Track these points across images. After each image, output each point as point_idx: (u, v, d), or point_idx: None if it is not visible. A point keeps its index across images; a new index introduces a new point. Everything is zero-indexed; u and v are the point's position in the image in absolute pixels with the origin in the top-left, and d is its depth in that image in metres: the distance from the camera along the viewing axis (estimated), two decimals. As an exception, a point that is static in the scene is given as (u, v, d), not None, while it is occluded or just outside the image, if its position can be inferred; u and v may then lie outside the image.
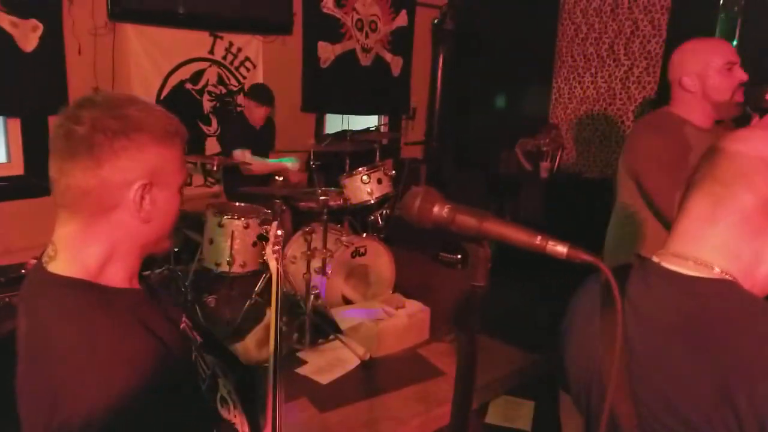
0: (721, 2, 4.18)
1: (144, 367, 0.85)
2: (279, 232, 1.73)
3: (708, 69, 1.88)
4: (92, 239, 0.91)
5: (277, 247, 1.68)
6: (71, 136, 0.87)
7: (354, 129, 4.84)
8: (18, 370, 0.88)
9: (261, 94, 3.98)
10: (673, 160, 1.83)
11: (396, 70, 5.68)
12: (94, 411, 0.79)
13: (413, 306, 3.45)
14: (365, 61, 5.39)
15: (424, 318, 3.42)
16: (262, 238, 1.36)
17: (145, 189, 0.91)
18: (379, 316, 3.29)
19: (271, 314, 1.29)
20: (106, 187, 0.88)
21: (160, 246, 1.01)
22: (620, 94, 4.94)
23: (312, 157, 3.88)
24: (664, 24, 4.63)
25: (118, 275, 0.93)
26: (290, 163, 3.98)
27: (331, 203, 3.50)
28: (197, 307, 3.48)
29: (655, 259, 0.97)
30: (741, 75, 1.88)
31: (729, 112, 1.90)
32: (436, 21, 5.87)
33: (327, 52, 5.07)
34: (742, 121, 1.94)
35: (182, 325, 1.06)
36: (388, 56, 5.57)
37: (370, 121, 5.66)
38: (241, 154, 3.80)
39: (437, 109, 5.95)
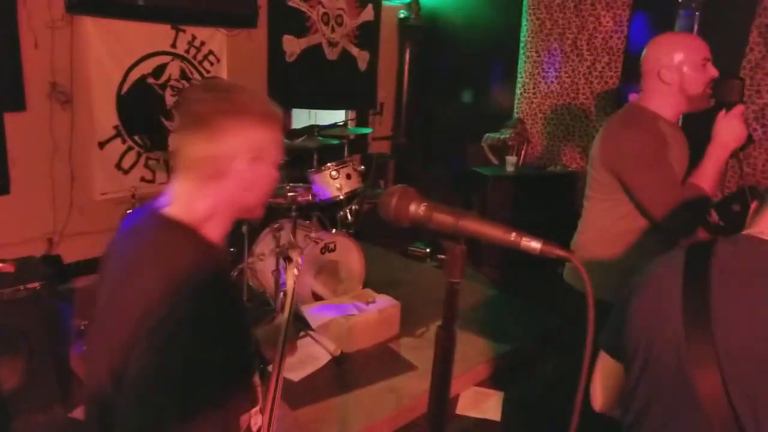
0: (680, -1, 4.29)
1: (227, 305, 1.07)
2: (300, 258, 1.77)
3: (686, 63, 1.91)
4: (202, 196, 1.08)
5: (296, 272, 1.71)
6: (194, 114, 1.07)
7: (322, 124, 4.82)
8: (112, 282, 1.08)
9: None
10: (657, 158, 1.87)
11: (363, 65, 5.66)
12: (182, 324, 0.95)
13: (384, 301, 3.46)
14: (332, 55, 5.35)
15: (394, 313, 3.44)
16: (287, 259, 1.41)
17: (250, 161, 1.08)
18: (349, 312, 3.29)
19: (281, 318, 1.35)
20: (217, 158, 1.06)
21: (255, 213, 1.19)
22: (583, 88, 5.03)
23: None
24: (626, 20, 4.73)
25: (215, 231, 1.11)
26: None
27: (300, 199, 3.48)
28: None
29: (745, 232, 1.10)
30: (713, 71, 1.92)
31: (701, 105, 1.95)
32: (402, 16, 5.88)
33: (293, 45, 5.03)
34: (708, 113, 1.99)
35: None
36: (354, 50, 5.55)
37: (337, 116, 5.63)
38: None
39: (404, 104, 5.97)
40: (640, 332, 1.12)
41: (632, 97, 3.58)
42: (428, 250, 4.88)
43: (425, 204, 0.82)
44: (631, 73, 4.64)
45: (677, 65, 1.91)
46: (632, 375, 1.13)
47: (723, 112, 1.86)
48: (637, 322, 1.13)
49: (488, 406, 3.03)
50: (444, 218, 0.81)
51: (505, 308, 4.07)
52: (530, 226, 2.72)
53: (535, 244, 0.76)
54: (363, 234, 4.45)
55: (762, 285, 1.01)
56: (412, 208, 0.82)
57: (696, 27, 4.23)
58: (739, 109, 1.84)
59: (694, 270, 1.05)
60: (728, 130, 1.84)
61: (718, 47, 4.03)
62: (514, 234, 0.77)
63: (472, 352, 3.35)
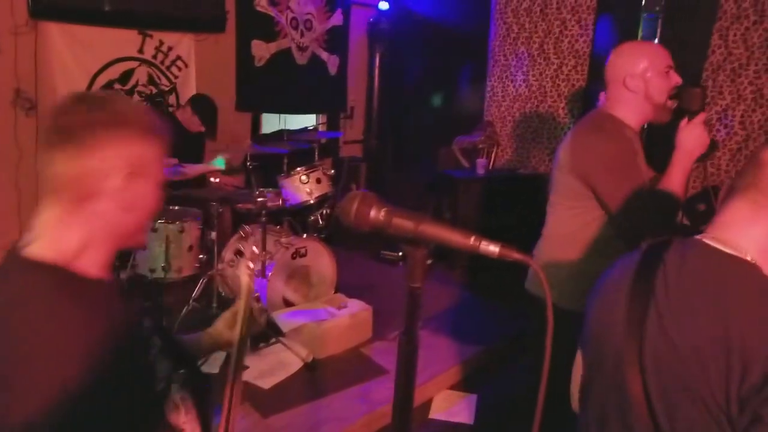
0: (643, 3, 4.39)
1: (100, 358, 0.88)
2: (255, 250, 1.69)
3: (650, 71, 1.93)
4: (72, 225, 0.95)
5: (252, 264, 1.63)
6: (61, 127, 0.93)
7: (291, 128, 4.80)
8: None
9: (205, 111, 3.85)
10: (627, 164, 1.89)
11: (333, 69, 5.66)
12: (45, 394, 0.82)
13: (355, 305, 3.45)
14: (301, 59, 5.34)
15: (366, 317, 3.43)
16: (238, 253, 1.33)
17: (126, 179, 0.95)
18: (321, 317, 3.27)
19: (239, 302, 1.28)
20: (88, 175, 0.93)
21: (137, 239, 1.06)
22: (551, 91, 5.11)
23: (248, 157, 3.81)
24: (591, 24, 4.82)
25: (93, 264, 0.97)
26: (219, 164, 3.90)
27: (270, 204, 3.45)
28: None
29: (697, 237, 1.09)
30: (677, 78, 1.95)
31: (664, 114, 1.97)
32: (371, 20, 5.90)
33: (261, 50, 5.00)
34: (671, 121, 2.03)
35: (145, 324, 1.10)
36: (324, 55, 5.54)
37: (307, 121, 5.61)
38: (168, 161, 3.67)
39: (375, 108, 5.98)
40: (592, 334, 1.14)
41: (602, 96, 3.67)
42: (400, 253, 4.89)
43: (385, 209, 0.82)
44: (598, 75, 4.73)
45: (641, 73, 1.93)
46: (586, 374, 1.15)
47: (686, 120, 1.88)
48: (590, 323, 1.16)
49: (461, 408, 3.04)
50: (404, 223, 0.81)
51: (476, 310, 4.09)
52: (500, 227, 2.74)
53: (493, 248, 0.77)
54: (335, 238, 4.43)
55: (700, 297, 1.01)
56: (372, 213, 0.82)
57: (659, 30, 4.33)
58: (701, 117, 1.85)
59: (642, 276, 1.07)
60: (691, 138, 1.84)
61: (681, 50, 4.16)
62: (473, 238, 0.78)
63: (445, 354, 3.36)
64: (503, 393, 3.21)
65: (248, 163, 3.62)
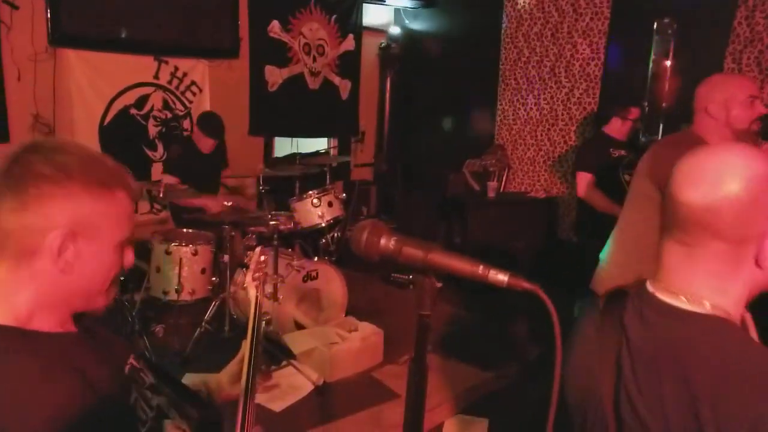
0: (655, 26, 4.41)
1: (67, 414, 0.82)
2: (262, 258, 1.62)
3: (733, 101, 2.06)
4: (19, 285, 0.88)
5: (258, 274, 1.59)
6: (9, 175, 0.86)
7: (303, 152, 4.85)
8: None
9: (209, 125, 3.92)
10: None
11: (344, 94, 5.73)
12: None
13: (366, 329, 3.44)
14: (313, 84, 5.42)
15: (377, 341, 3.42)
16: (243, 266, 1.28)
17: (66, 238, 0.87)
18: (332, 340, 3.27)
19: (245, 348, 1.26)
20: (28, 230, 0.86)
21: (90, 303, 0.96)
22: (562, 115, 5.12)
23: (261, 181, 3.85)
24: (602, 47, 4.84)
25: (49, 321, 0.90)
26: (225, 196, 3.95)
27: (281, 227, 3.48)
28: (145, 338, 3.38)
29: (650, 288, 0.99)
30: (761, 109, 2.09)
31: (747, 139, 2.10)
32: (382, 45, 5.98)
33: (274, 75, 5.08)
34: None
35: (128, 367, 1.03)
36: (336, 79, 5.62)
37: (319, 144, 5.67)
38: (168, 179, 3.70)
39: (386, 132, 6.03)
40: (573, 387, 1.09)
41: (613, 121, 3.78)
42: (410, 277, 4.88)
43: (395, 238, 0.83)
44: (609, 98, 4.74)
45: (724, 102, 2.06)
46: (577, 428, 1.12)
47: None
48: (571, 390, 1.10)
49: (473, 433, 3.01)
50: (413, 252, 0.82)
51: (488, 334, 4.06)
52: (511, 251, 2.75)
53: (502, 277, 0.78)
54: (345, 261, 4.45)
55: (664, 371, 0.90)
56: (383, 242, 0.83)
57: (671, 53, 4.34)
58: None
59: (606, 348, 0.99)
60: None
61: (693, 72, 4.16)
62: (481, 267, 0.79)
63: (456, 378, 3.33)
64: (515, 418, 3.17)
65: (260, 187, 3.66)
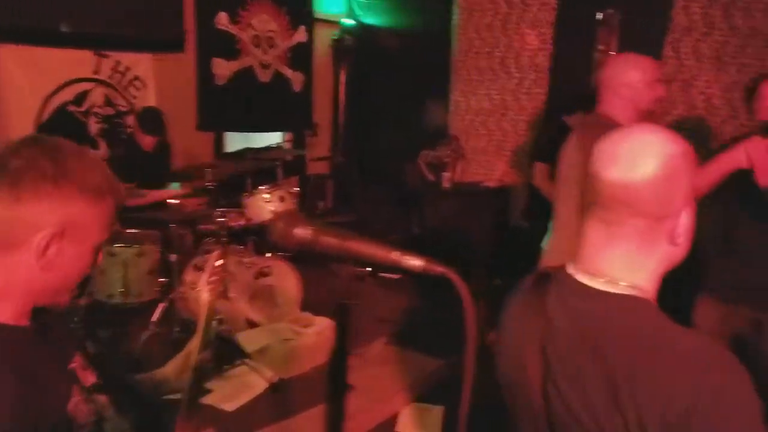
0: (599, 16, 4.50)
1: (13, 407, 0.84)
2: (218, 263, 1.61)
3: (641, 82, 2.14)
4: None
5: (214, 278, 1.58)
6: (6, 167, 0.87)
7: (256, 147, 4.77)
8: None
9: (148, 122, 3.81)
10: None
11: (297, 86, 5.65)
12: None
13: (322, 323, 3.42)
14: (264, 77, 5.32)
15: (332, 335, 3.39)
16: (198, 269, 1.28)
17: (53, 238, 0.89)
18: (286, 337, 3.23)
19: (192, 343, 1.24)
20: (18, 223, 0.88)
21: (56, 299, 0.99)
22: (513, 105, 5.18)
23: (210, 178, 3.77)
24: (550, 38, 4.91)
25: (5, 312, 0.91)
26: (176, 187, 3.86)
27: (232, 224, 3.42)
28: (91, 344, 3.27)
29: (570, 270, 1.00)
30: (661, 90, 2.18)
31: (647, 119, 2.17)
32: (335, 37, 5.93)
33: (223, 68, 4.97)
34: None
35: (73, 365, 1.03)
36: (288, 72, 5.54)
37: (273, 139, 5.59)
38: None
39: (341, 124, 5.99)
40: (504, 365, 1.10)
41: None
42: (369, 269, 4.86)
43: (312, 228, 0.81)
44: (558, 88, 4.82)
45: (632, 83, 2.13)
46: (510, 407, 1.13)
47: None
48: (501, 355, 1.11)
49: (428, 422, 3.02)
50: (330, 241, 0.81)
51: (444, 323, 4.08)
52: (467, 239, 2.81)
53: (416, 263, 0.77)
54: (303, 256, 4.39)
55: (585, 354, 0.92)
56: (299, 231, 0.81)
57: (615, 43, 4.44)
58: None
59: (531, 333, 1.00)
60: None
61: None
62: (395, 253, 0.78)
63: (412, 368, 3.34)
64: (471, 404, 3.19)
65: (208, 184, 3.58)
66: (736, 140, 2.37)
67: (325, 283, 4.52)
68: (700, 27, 4.15)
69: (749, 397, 0.82)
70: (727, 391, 0.81)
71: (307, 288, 3.77)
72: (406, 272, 0.79)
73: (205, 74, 4.86)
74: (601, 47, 4.48)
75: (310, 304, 3.75)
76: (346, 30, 5.89)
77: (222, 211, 3.57)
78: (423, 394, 3.25)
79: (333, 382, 0.85)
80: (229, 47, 5.00)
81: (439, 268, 0.76)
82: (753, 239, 2.31)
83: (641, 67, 2.18)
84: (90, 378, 1.06)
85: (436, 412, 3.09)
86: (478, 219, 4.85)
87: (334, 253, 0.80)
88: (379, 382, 3.22)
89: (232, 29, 5.00)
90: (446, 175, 5.10)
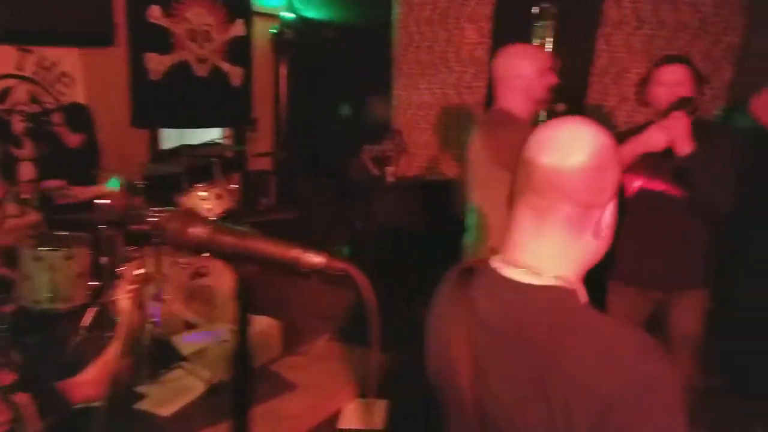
0: (535, 10, 4.58)
1: None
2: (138, 272, 1.58)
3: (534, 72, 2.14)
4: None
5: (133, 286, 1.53)
6: None
7: (194, 144, 4.64)
8: None
9: (73, 119, 3.65)
10: None
11: (236, 81, 5.52)
12: None
13: (262, 322, 3.36)
14: (201, 72, 5.18)
15: (274, 333, 3.35)
16: (112, 275, 1.26)
17: None
18: (225, 338, 3.16)
19: (110, 351, 1.20)
20: None
21: None
22: (454, 99, 5.21)
23: (144, 176, 3.65)
24: (488, 31, 4.96)
25: None
26: (113, 185, 3.70)
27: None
28: (18, 350, 3.10)
29: (495, 263, 1.00)
30: (554, 78, 2.18)
31: (543, 108, 2.19)
32: (275, 30, 5.82)
33: (157, 63, 4.81)
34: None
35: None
36: (226, 66, 5.40)
37: (211, 135, 5.45)
38: (54, 183, 3.45)
39: (283, 120, 5.90)
40: (433, 356, 1.10)
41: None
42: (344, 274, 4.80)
43: (207, 227, 0.78)
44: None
45: (525, 74, 2.12)
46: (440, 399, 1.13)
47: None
48: (429, 347, 1.11)
49: (371, 416, 3.02)
50: (227, 240, 0.77)
51: (390, 316, 4.09)
52: (412, 232, 2.85)
53: (317, 259, 0.75)
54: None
55: (514, 348, 0.92)
56: (194, 231, 0.77)
57: (552, 37, 4.52)
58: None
59: (460, 327, 0.99)
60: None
61: (572, 54, 4.34)
62: (295, 250, 0.75)
63: (355, 364, 3.34)
64: (414, 396, 3.21)
65: (137, 183, 3.45)
66: (638, 129, 2.48)
67: (267, 282, 4.48)
68: (631, 21, 4.27)
69: (673, 383, 0.84)
70: (651, 378, 0.82)
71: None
72: (309, 270, 0.77)
73: (138, 69, 4.69)
74: (537, 41, 4.56)
75: (251, 303, 3.68)
76: (285, 23, 5.79)
77: (155, 211, 3.45)
78: (368, 389, 3.25)
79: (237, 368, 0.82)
80: (162, 41, 4.83)
81: (339, 265, 0.74)
82: (655, 222, 2.40)
83: (531, 57, 2.18)
84: (6, 378, 1.05)
85: (379, 406, 3.09)
86: (422, 213, 4.87)
87: (233, 252, 0.77)
88: (323, 380, 3.21)
89: (166, 23, 4.84)
90: (390, 169, 5.10)
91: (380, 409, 3.06)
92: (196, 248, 0.78)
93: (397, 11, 5.36)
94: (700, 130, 2.20)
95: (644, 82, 2.47)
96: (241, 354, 0.80)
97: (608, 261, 2.57)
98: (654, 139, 2.17)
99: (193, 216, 0.79)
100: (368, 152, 5.34)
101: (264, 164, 5.90)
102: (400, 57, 5.45)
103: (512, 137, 2.11)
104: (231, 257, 0.77)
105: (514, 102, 2.18)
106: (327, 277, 3.12)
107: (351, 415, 3.02)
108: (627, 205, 2.46)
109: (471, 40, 5.03)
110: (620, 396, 0.80)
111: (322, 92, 5.80)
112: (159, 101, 4.84)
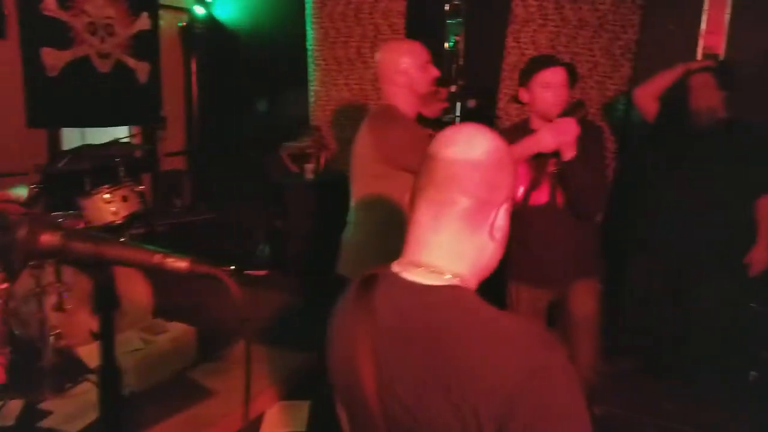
0: (447, 8, 4.65)
1: None
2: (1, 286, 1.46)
3: (411, 66, 2.15)
4: None
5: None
6: None
7: (98, 143, 4.39)
8: None
9: None
10: (423, 142, 2.07)
11: (143, 77, 5.27)
12: None
13: (176, 329, 3.24)
14: (104, 67, 4.91)
15: (189, 340, 3.24)
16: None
17: None
18: (136, 347, 3.02)
19: None
20: None
21: None
22: (372, 94, 5.21)
23: (42, 178, 3.41)
24: (402, 28, 4.98)
25: None
26: (21, 192, 3.45)
27: (66, 229, 3.11)
28: None
29: (395, 269, 1.01)
30: (435, 71, 2.20)
31: (428, 102, 2.19)
32: (183, 24, 5.61)
33: (54, 59, 4.51)
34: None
35: None
36: (131, 62, 5.15)
37: (117, 134, 5.18)
38: None
39: (196, 117, 5.70)
40: (336, 367, 1.09)
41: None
42: (233, 267, 4.68)
43: (60, 233, 0.72)
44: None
45: (404, 69, 2.12)
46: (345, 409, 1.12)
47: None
48: (332, 358, 1.10)
49: (294, 418, 2.98)
50: (83, 247, 0.72)
51: (314, 317, 4.04)
52: (330, 229, 2.84)
53: (182, 264, 0.71)
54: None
55: (417, 353, 0.91)
56: (45, 238, 0.71)
57: (463, 34, 4.61)
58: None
59: (363, 336, 0.99)
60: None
61: (483, 51, 4.43)
62: (157, 256, 0.71)
63: (278, 365, 3.27)
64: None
65: (39, 185, 3.23)
66: (519, 128, 2.57)
67: (183, 287, 4.33)
68: (536, 18, 4.41)
69: (568, 368, 0.86)
70: (549, 366, 0.84)
71: (162, 292, 3.56)
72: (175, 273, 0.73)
73: (33, 65, 4.39)
74: (449, 38, 4.63)
75: (166, 310, 3.55)
76: (195, 17, 5.58)
77: (57, 215, 3.25)
78: (290, 390, 3.20)
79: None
80: (60, 35, 4.54)
81: (204, 269, 0.70)
82: (545, 225, 2.51)
83: (409, 51, 2.22)
84: None
85: (302, 407, 3.05)
86: (343, 211, 4.84)
87: (89, 259, 0.72)
88: (243, 384, 3.11)
89: (63, 15, 4.55)
90: (309, 166, 5.04)
91: (303, 411, 3.02)
92: (48, 256, 0.72)
93: (311, 5, 5.30)
94: (581, 132, 2.31)
95: (524, 82, 2.52)
96: (109, 367, 0.75)
97: (506, 262, 2.68)
98: (545, 142, 2.24)
99: (44, 222, 0.72)
100: (287, 149, 5.26)
101: (178, 163, 5.69)
102: (315, 52, 5.38)
103: (393, 134, 2.15)
104: (87, 264, 0.72)
105: (397, 98, 2.22)
106: (248, 278, 3.09)
107: (273, 418, 2.96)
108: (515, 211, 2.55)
109: (386, 35, 5.04)
110: (523, 387, 0.82)
111: (237, 88, 5.65)
112: (57, 99, 4.54)
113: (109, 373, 0.75)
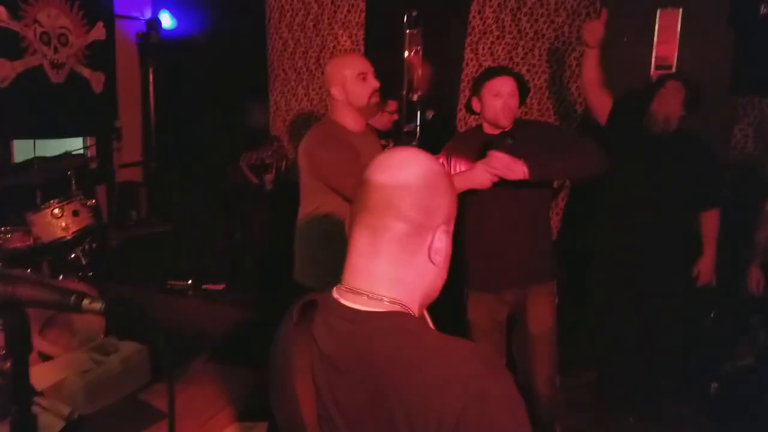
0: (405, 19, 4.67)
1: None
2: None
3: (347, 80, 2.19)
4: None
5: None
6: None
7: (49, 155, 4.26)
8: None
9: None
10: (350, 164, 2.09)
11: (98, 87, 5.14)
12: None
13: (128, 348, 3.15)
14: (57, 78, 4.77)
15: (141, 359, 3.14)
16: None
17: None
18: (85, 368, 2.92)
19: None
20: None
21: None
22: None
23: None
24: (361, 38, 4.99)
25: None
26: None
27: (11, 245, 3.01)
28: None
29: (334, 294, 0.99)
30: (374, 82, 2.23)
31: (372, 113, 2.24)
32: (140, 33, 5.50)
33: (5, 69, 4.36)
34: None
35: None
36: (86, 72, 5.01)
37: (70, 146, 5.04)
38: None
39: (153, 127, 5.58)
40: (276, 401, 1.07)
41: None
42: (190, 281, 4.60)
43: (-31, 273, 0.68)
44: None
45: (341, 83, 2.19)
46: None
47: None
48: (275, 403, 1.08)
49: (251, 438, 2.92)
50: (-6, 288, 0.68)
51: (265, 331, 3.99)
52: (290, 241, 2.86)
53: (97, 305, 0.68)
54: (112, 274, 4.04)
55: (358, 385, 0.90)
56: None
57: (421, 45, 4.63)
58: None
59: (301, 366, 0.98)
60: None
61: (442, 63, 4.46)
62: (73, 297, 0.68)
63: (234, 385, 3.21)
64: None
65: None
66: (471, 134, 2.61)
67: (140, 301, 4.22)
68: (493, 30, 4.47)
69: (514, 401, 0.86)
70: (493, 399, 0.83)
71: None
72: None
73: (-19, 76, 4.24)
74: (407, 49, 4.65)
75: (119, 327, 3.44)
76: (152, 26, 5.48)
77: (2, 231, 3.14)
78: (248, 409, 3.13)
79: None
80: (10, 45, 4.39)
81: (120, 310, 0.68)
82: (500, 232, 2.55)
83: (346, 64, 2.25)
84: None
85: (259, 429, 2.99)
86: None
87: (3, 300, 0.68)
88: (198, 405, 3.04)
89: (14, 25, 4.41)
90: (268, 177, 4.99)
91: (260, 431, 2.97)
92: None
93: (268, 15, 5.26)
94: (520, 136, 2.35)
95: (476, 90, 2.58)
96: (23, 411, 0.71)
97: (462, 273, 2.71)
98: (479, 178, 2.26)
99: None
100: (247, 159, 5.20)
101: (134, 175, 5.55)
102: (274, 63, 5.35)
103: (325, 157, 2.20)
104: (3, 305, 0.69)
105: (337, 111, 2.26)
106: (205, 292, 3.06)
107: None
108: (469, 220, 2.58)
109: (345, 46, 5.04)
110: (463, 416, 0.81)
111: (195, 98, 5.55)
112: (8, 110, 4.38)
113: (23, 422, 0.71)
